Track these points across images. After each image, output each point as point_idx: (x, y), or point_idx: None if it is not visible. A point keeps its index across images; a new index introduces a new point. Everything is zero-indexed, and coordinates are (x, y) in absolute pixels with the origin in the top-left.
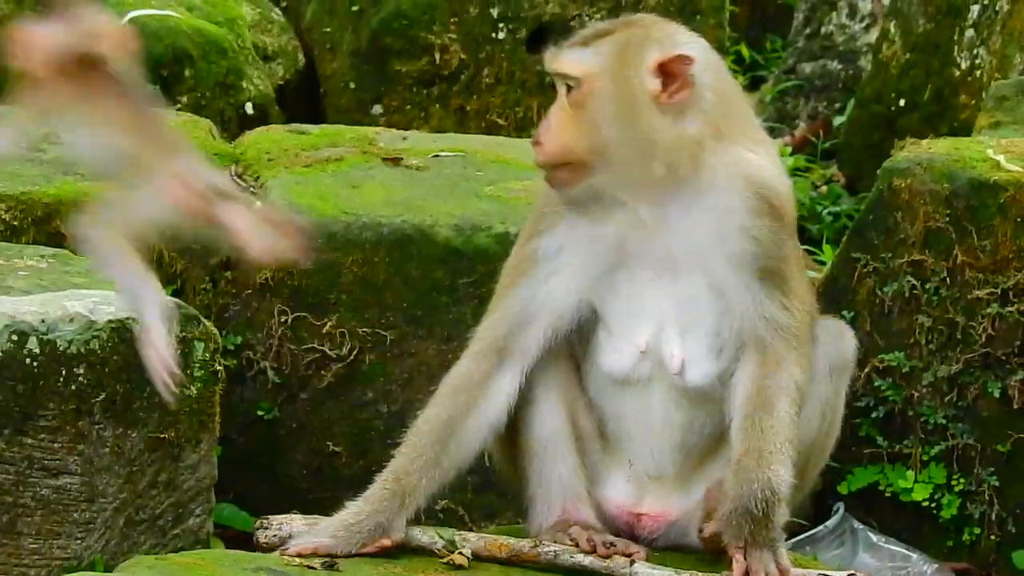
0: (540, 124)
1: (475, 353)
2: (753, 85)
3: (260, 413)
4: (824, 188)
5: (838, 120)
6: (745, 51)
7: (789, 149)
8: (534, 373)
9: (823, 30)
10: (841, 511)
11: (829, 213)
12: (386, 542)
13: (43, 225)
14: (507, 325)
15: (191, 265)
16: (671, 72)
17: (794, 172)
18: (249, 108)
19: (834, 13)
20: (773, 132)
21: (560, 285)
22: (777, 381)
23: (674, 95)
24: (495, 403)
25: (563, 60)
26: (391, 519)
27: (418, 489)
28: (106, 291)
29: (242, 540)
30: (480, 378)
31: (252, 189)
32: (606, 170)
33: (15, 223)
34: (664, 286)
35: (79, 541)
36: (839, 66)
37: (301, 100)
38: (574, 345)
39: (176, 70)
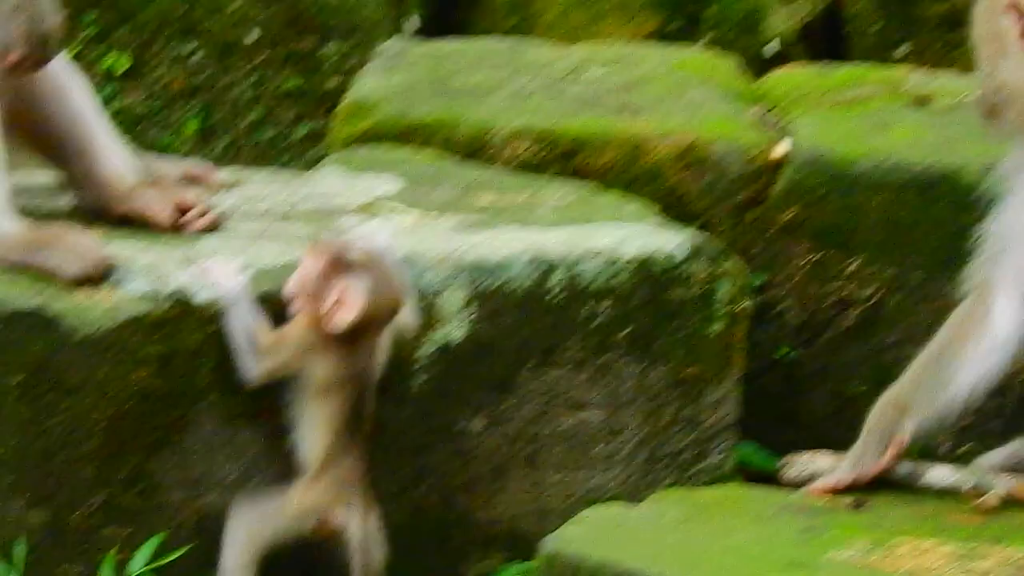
0: None
1: (974, 286)
2: None
3: (781, 353)
4: None
5: None
6: None
7: None
8: None
9: None
10: None
11: None
12: (897, 445)
13: (567, 160)
14: (996, 256)
15: (716, 202)
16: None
17: None
18: (772, 47)
19: None
20: None
21: None
22: None
23: None
24: (995, 333)
25: None
26: (894, 428)
27: (914, 405)
28: (632, 225)
29: (761, 480)
30: (980, 309)
31: (777, 127)
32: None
33: (540, 158)
34: None
35: (600, 475)
36: None
37: (824, 40)
38: None
39: (697, 9)
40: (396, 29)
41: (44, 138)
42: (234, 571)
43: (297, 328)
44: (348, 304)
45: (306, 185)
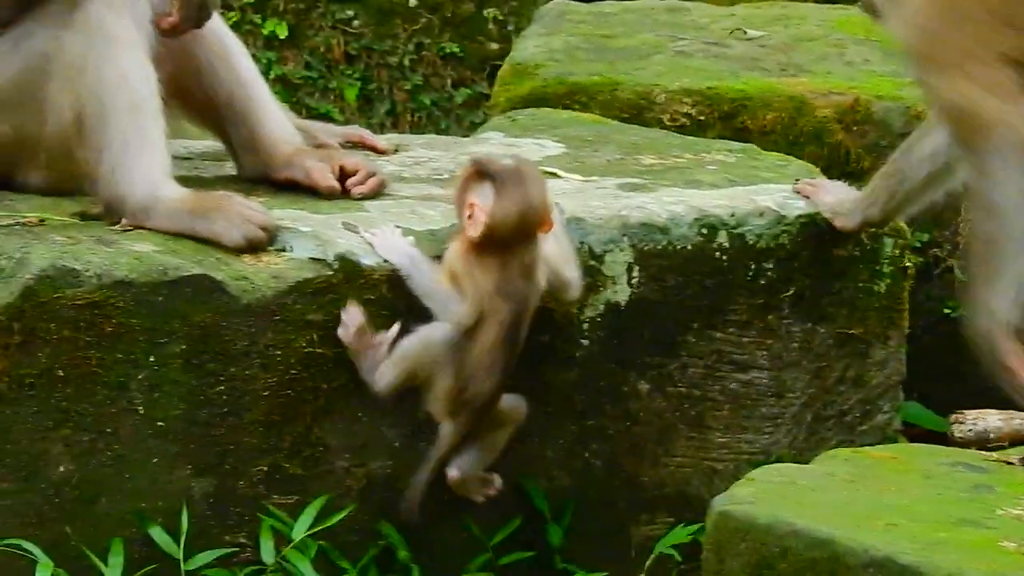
0: None
1: None
2: None
3: (946, 311)
4: None
5: None
6: None
7: None
8: None
9: None
10: None
11: None
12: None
13: (730, 120)
14: None
15: (878, 160)
16: None
17: None
18: None
19: None
20: None
21: None
22: None
23: None
24: None
25: None
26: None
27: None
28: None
29: (926, 439)
30: None
31: None
32: None
33: (702, 118)
34: None
35: (767, 436)
36: None
37: None
38: None
39: None
40: None
41: (206, 105)
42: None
43: (453, 250)
44: (478, 212)
45: (467, 150)
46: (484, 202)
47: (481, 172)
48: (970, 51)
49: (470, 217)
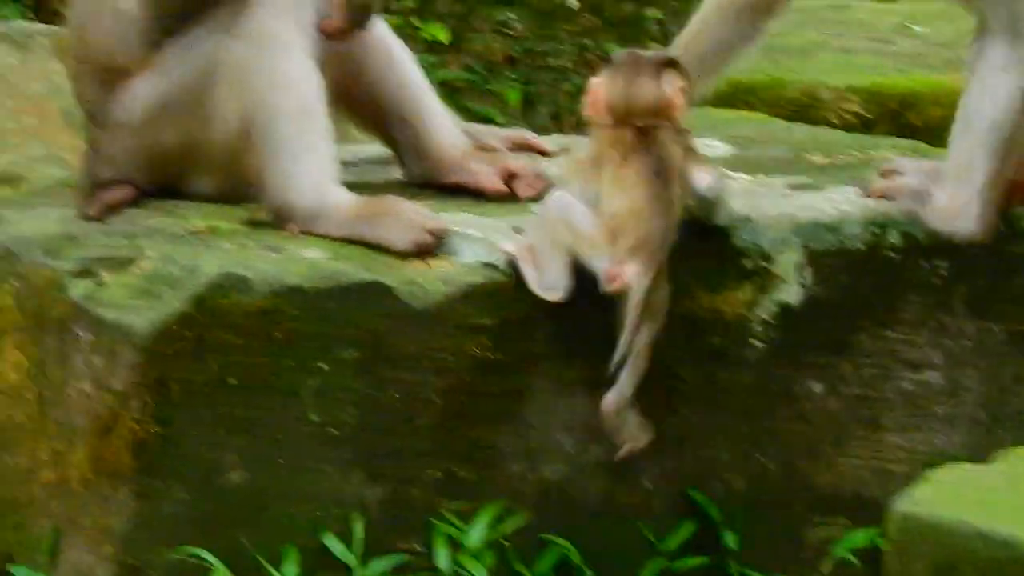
0: None
1: None
2: None
3: None
4: None
5: None
6: None
7: None
8: None
9: None
10: None
11: None
12: None
13: (897, 117)
14: None
15: None
16: None
17: None
18: None
19: None
20: None
21: None
22: None
23: None
24: None
25: None
26: None
27: None
28: None
29: None
30: None
31: None
32: None
33: (869, 115)
34: None
35: (942, 436)
36: None
37: None
38: None
39: None
40: None
41: (371, 110)
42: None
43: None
44: (593, 94)
45: None
46: (597, 86)
47: (608, 64)
48: None
49: (591, 97)
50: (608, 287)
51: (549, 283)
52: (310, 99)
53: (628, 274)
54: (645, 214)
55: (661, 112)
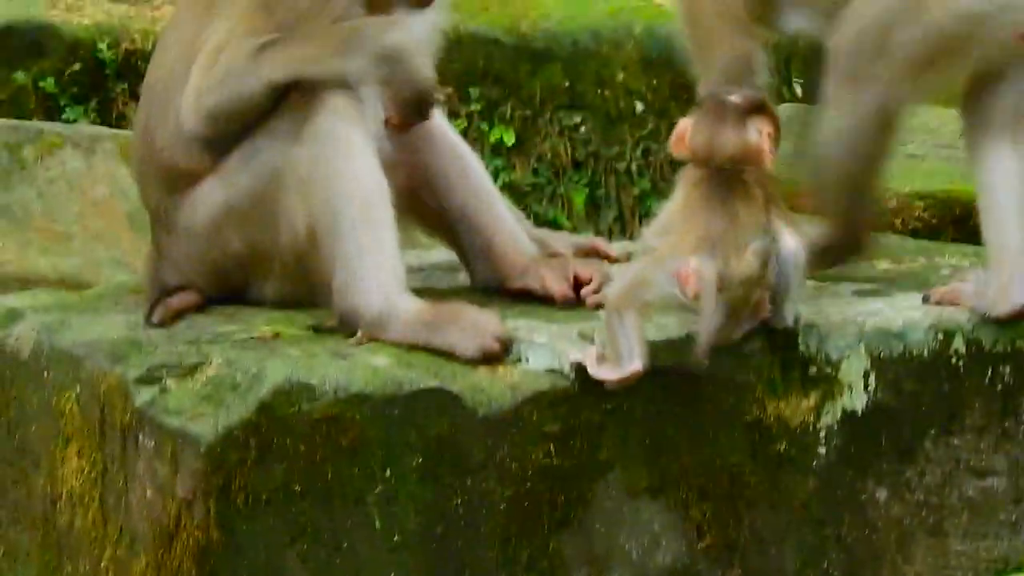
0: None
1: None
2: None
3: None
4: None
5: None
6: None
7: None
8: None
9: None
10: None
11: None
12: None
13: (963, 223)
14: None
15: None
16: None
17: None
18: None
19: None
20: None
21: None
22: None
23: None
24: None
25: None
26: None
27: None
28: None
29: None
30: None
31: None
32: None
33: (935, 221)
34: None
35: (1007, 542)
36: None
37: None
38: None
39: None
40: (780, 95)
41: (439, 214)
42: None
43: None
44: (679, 135)
45: None
46: (682, 128)
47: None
48: None
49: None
50: (683, 290)
51: (626, 356)
52: (376, 203)
53: (692, 265)
54: (700, 214)
55: (747, 159)
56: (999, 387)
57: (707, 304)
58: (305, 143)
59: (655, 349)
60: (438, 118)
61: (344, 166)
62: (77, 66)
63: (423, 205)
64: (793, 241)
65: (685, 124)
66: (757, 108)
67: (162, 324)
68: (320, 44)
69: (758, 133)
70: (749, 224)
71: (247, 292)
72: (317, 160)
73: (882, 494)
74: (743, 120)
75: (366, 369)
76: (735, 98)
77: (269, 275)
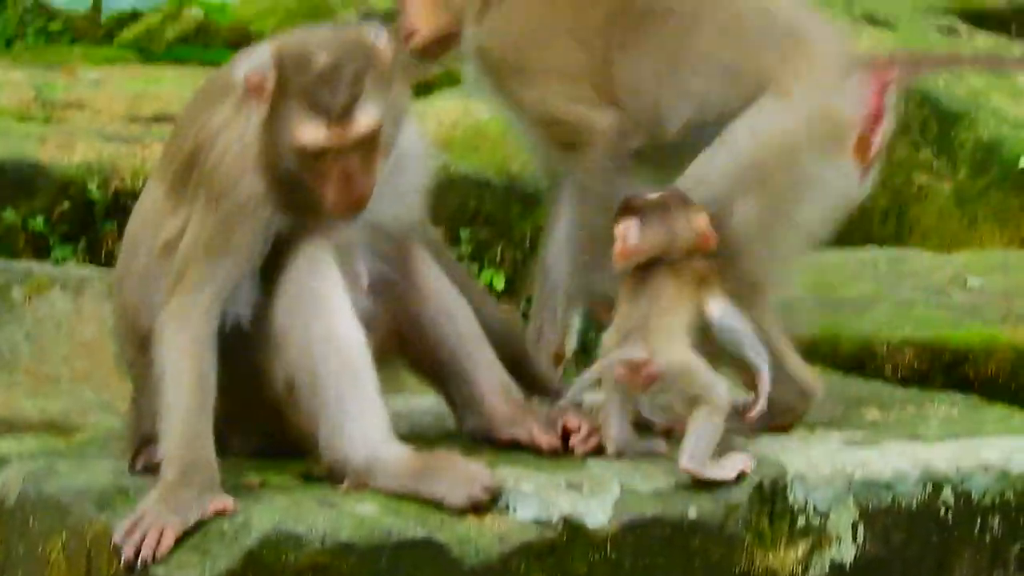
0: None
1: None
2: None
3: None
4: None
5: None
6: None
7: None
8: None
9: None
10: None
11: None
12: None
13: (952, 371)
14: None
15: None
16: None
17: None
18: None
19: None
20: None
21: None
22: None
23: None
24: None
25: None
26: None
27: None
28: (1021, 438)
29: None
30: None
31: None
32: None
33: (923, 368)
34: None
35: None
36: None
37: None
38: None
39: None
40: None
41: (427, 361)
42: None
43: None
44: (624, 240)
45: None
46: (626, 232)
47: (630, 206)
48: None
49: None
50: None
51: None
52: (353, 355)
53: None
54: (624, 307)
55: (700, 246)
56: (988, 538)
57: (607, 396)
58: (279, 296)
59: (642, 499)
60: (427, 263)
61: (317, 320)
62: (67, 205)
63: (412, 350)
64: (718, 306)
65: (625, 230)
66: (686, 199)
67: (146, 471)
68: None
69: (703, 221)
70: (674, 307)
71: (232, 441)
72: (291, 313)
73: None
74: (687, 211)
75: (353, 518)
76: (663, 195)
77: (252, 426)
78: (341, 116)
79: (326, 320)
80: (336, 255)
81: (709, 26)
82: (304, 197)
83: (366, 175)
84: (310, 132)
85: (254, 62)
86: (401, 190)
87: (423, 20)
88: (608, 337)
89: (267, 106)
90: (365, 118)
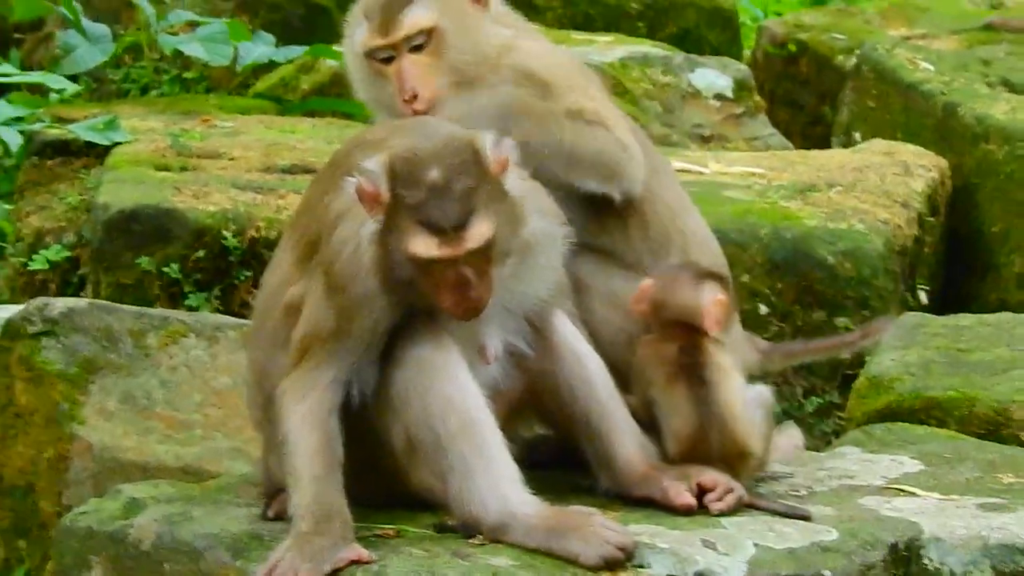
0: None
1: None
2: None
3: None
4: None
5: None
6: None
7: None
8: None
9: None
10: None
11: None
12: None
13: None
14: None
15: None
16: None
17: None
18: None
19: None
20: None
21: None
22: None
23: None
24: None
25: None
26: None
27: None
28: None
29: None
30: None
31: None
32: None
33: None
34: None
35: None
36: None
37: None
38: None
39: None
40: (905, 302)
41: (560, 418)
42: None
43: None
44: (640, 292)
45: (826, 463)
46: (643, 287)
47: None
48: None
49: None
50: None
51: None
52: (473, 416)
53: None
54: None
55: (694, 317)
56: None
57: None
58: (400, 365)
59: (776, 557)
60: (564, 323)
61: (436, 386)
62: (201, 253)
63: (546, 408)
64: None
65: (647, 285)
66: (712, 275)
67: (279, 518)
68: None
69: (710, 296)
70: None
71: (361, 492)
72: (410, 379)
73: None
74: (698, 283)
75: (486, 571)
76: (694, 266)
77: (381, 481)
78: (454, 231)
79: (443, 383)
80: (456, 327)
81: None
82: (421, 297)
83: (481, 282)
84: (423, 246)
85: (367, 170)
86: (534, 272)
87: (422, 84)
88: None
89: (381, 216)
90: (477, 232)
